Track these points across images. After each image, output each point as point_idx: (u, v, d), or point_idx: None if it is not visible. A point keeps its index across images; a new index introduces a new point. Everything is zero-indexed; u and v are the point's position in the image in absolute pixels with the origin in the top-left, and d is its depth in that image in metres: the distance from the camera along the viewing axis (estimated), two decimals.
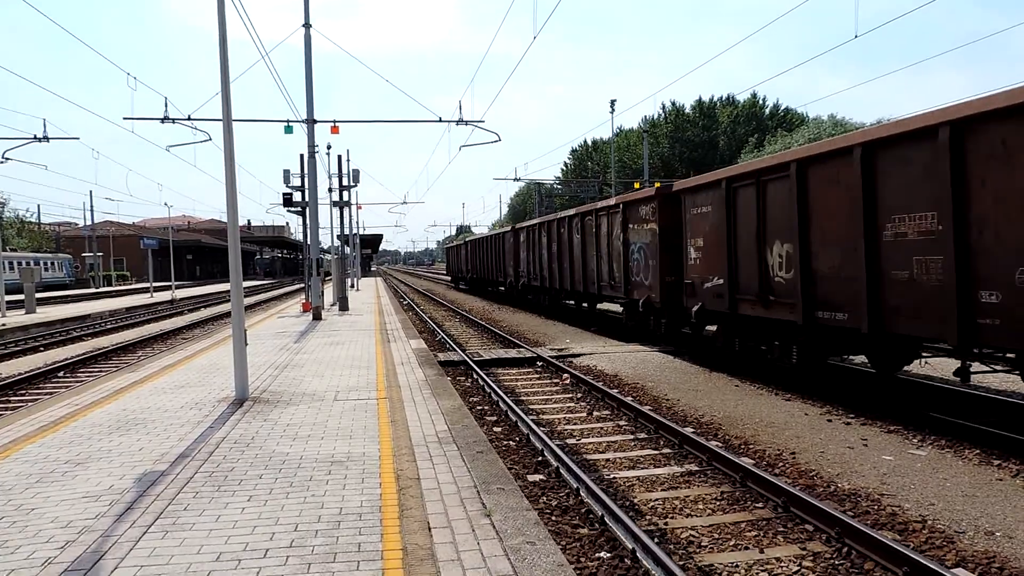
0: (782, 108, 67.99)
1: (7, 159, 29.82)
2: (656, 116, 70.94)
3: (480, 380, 11.52)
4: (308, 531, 4.40)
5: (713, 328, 12.73)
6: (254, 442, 6.57)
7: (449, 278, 57.11)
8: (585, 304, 21.24)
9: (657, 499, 6.09)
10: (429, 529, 4.43)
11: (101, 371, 14.26)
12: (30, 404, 10.36)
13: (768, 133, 60.34)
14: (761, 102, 68.78)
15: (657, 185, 14.57)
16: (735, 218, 11.13)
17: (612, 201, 16.63)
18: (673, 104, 71.14)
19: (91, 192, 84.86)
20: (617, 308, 21.63)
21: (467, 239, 45.50)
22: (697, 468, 6.91)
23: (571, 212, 20.05)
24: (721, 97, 69.46)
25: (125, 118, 21.78)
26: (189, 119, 22.17)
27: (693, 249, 12.63)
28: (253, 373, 10.39)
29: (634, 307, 15.17)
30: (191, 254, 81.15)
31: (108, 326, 24.38)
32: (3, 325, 23.18)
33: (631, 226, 15.31)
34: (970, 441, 7.48)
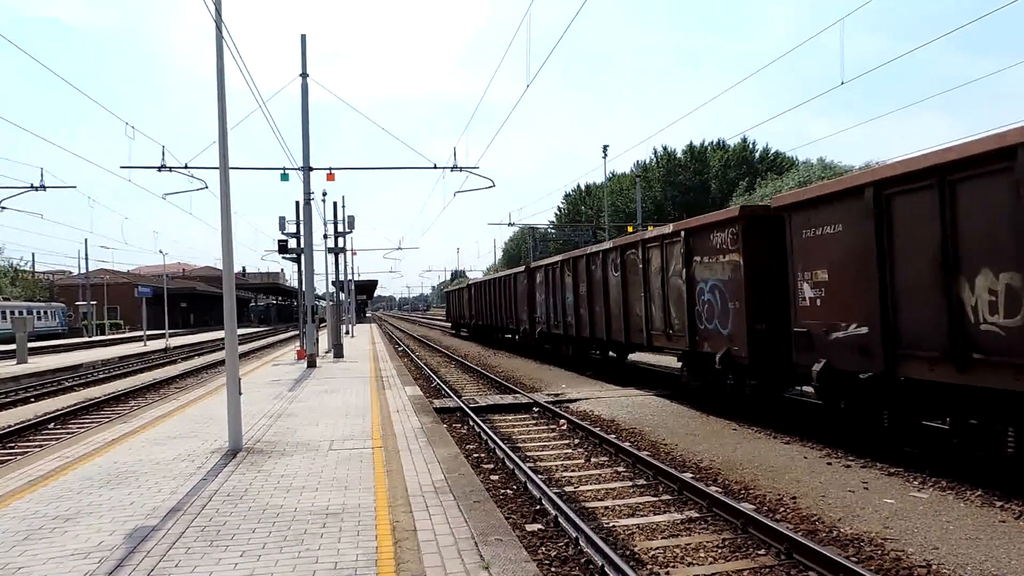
0: (772, 152, 69.10)
1: (3, 208, 29.96)
2: (648, 161, 72.03)
3: (476, 427, 11.41)
4: None
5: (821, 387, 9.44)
6: (247, 494, 6.47)
7: (449, 324, 53.99)
8: (613, 354, 18.58)
9: (658, 547, 5.99)
10: None
11: (93, 422, 14.08)
12: (19, 457, 10.20)
13: (759, 177, 61.22)
14: (751, 146, 69.93)
15: (740, 206, 11.52)
16: (890, 238, 8.11)
17: (668, 229, 13.43)
18: (665, 149, 72.31)
19: (86, 240, 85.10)
20: (651, 359, 20.29)
21: (471, 282, 42.27)
22: (697, 514, 6.81)
23: (606, 246, 16.94)
24: (712, 142, 70.63)
25: (122, 167, 21.94)
26: (186, 167, 22.34)
27: (809, 285, 9.57)
28: (247, 422, 10.27)
29: (702, 362, 12.37)
30: (185, 302, 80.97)
31: (100, 375, 24.16)
32: None
33: (698, 259, 12.29)
34: (971, 483, 7.41)
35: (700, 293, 12.26)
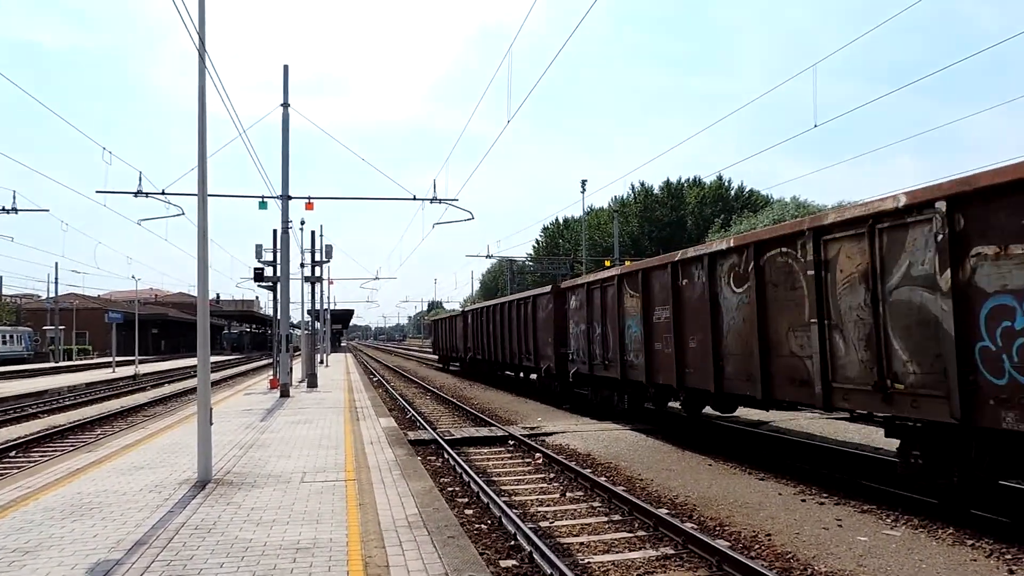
0: (747, 190, 70.42)
1: None
2: (626, 196, 72.94)
3: (451, 460, 11.29)
4: None
5: None
6: (216, 527, 6.31)
7: (436, 357, 47.20)
8: (717, 411, 12.27)
9: None
10: None
11: (56, 450, 13.70)
12: None
13: (735, 213, 62.29)
14: (727, 184, 71.24)
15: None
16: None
17: (899, 199, 7.57)
18: (642, 184, 73.37)
19: (56, 264, 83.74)
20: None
21: (468, 308, 35.25)
22: (673, 551, 6.78)
23: (720, 246, 11.10)
24: (688, 179, 71.87)
25: (98, 191, 21.71)
26: (163, 193, 22.18)
27: None
28: (217, 453, 10.05)
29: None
30: (157, 328, 79.68)
31: (66, 402, 23.57)
32: None
33: (984, 252, 6.68)
34: (943, 520, 7.47)
35: (988, 316, 6.62)
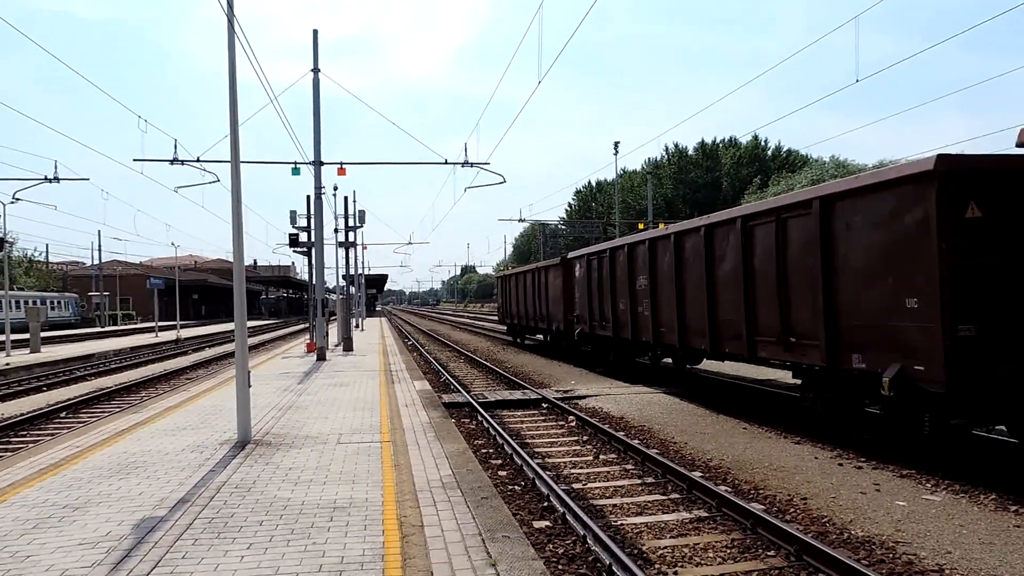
0: (784, 150, 68.64)
1: (17, 199, 30.22)
2: (660, 158, 71.69)
3: (485, 423, 11.39)
4: None
5: None
6: (255, 487, 6.47)
7: (505, 329, 34.74)
8: None
9: (666, 547, 5.94)
10: None
11: (103, 412, 14.16)
12: (31, 446, 10.27)
13: (772, 174, 60.82)
14: (763, 144, 69.48)
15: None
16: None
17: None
18: (676, 146, 72.00)
19: (99, 232, 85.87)
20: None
21: (585, 252, 19.80)
22: (706, 514, 6.76)
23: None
24: (724, 139, 70.27)
25: (135, 160, 22.11)
26: (198, 161, 22.44)
27: None
28: (256, 415, 10.29)
29: None
30: (197, 294, 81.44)
31: (112, 366, 24.32)
32: (7, 364, 23.15)
33: None
34: (985, 486, 7.31)
35: None
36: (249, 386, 8.81)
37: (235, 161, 9.20)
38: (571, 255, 20.87)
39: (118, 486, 6.59)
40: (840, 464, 8.47)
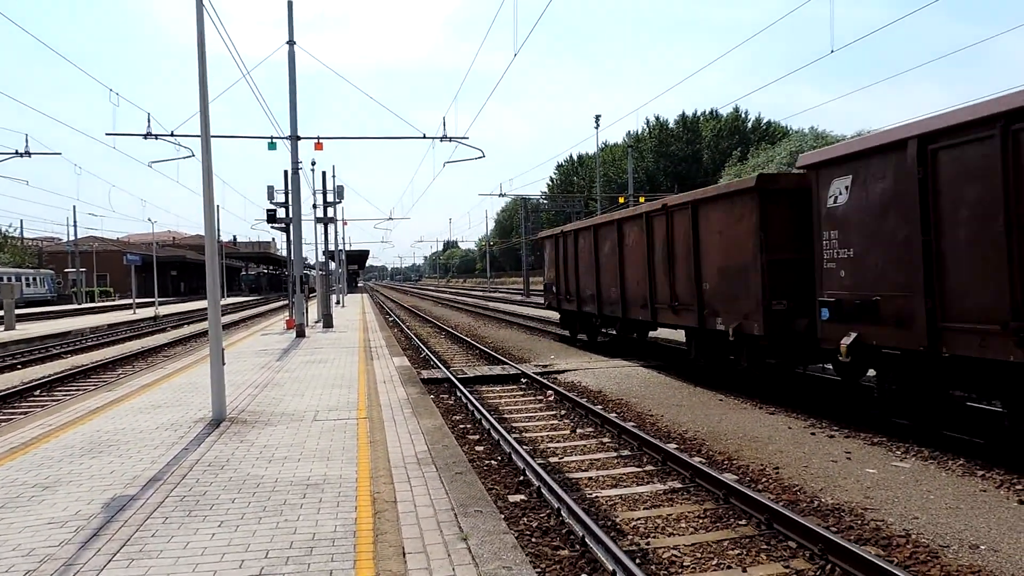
0: (764, 122, 68.65)
1: None
2: (641, 131, 71.45)
3: (464, 398, 11.40)
4: (279, 558, 4.27)
5: None
6: (229, 464, 6.43)
7: (558, 317, 22.02)
8: None
9: (640, 518, 6.00)
10: (404, 555, 4.31)
11: (78, 390, 14.00)
12: (3, 424, 10.13)
13: (752, 146, 60.88)
14: (744, 116, 69.43)
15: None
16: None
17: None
18: (657, 119, 71.75)
19: (74, 207, 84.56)
20: None
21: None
22: (680, 485, 6.83)
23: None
24: (704, 112, 70.09)
25: (108, 134, 21.65)
26: (172, 135, 22.02)
27: None
28: (232, 392, 10.23)
29: None
30: (175, 270, 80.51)
31: (88, 343, 24.02)
32: None
33: None
34: (954, 452, 7.46)
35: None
36: (224, 363, 8.73)
37: (205, 135, 9.03)
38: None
39: (89, 465, 6.52)
40: (813, 434, 8.59)
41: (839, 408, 9.70)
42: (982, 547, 5.19)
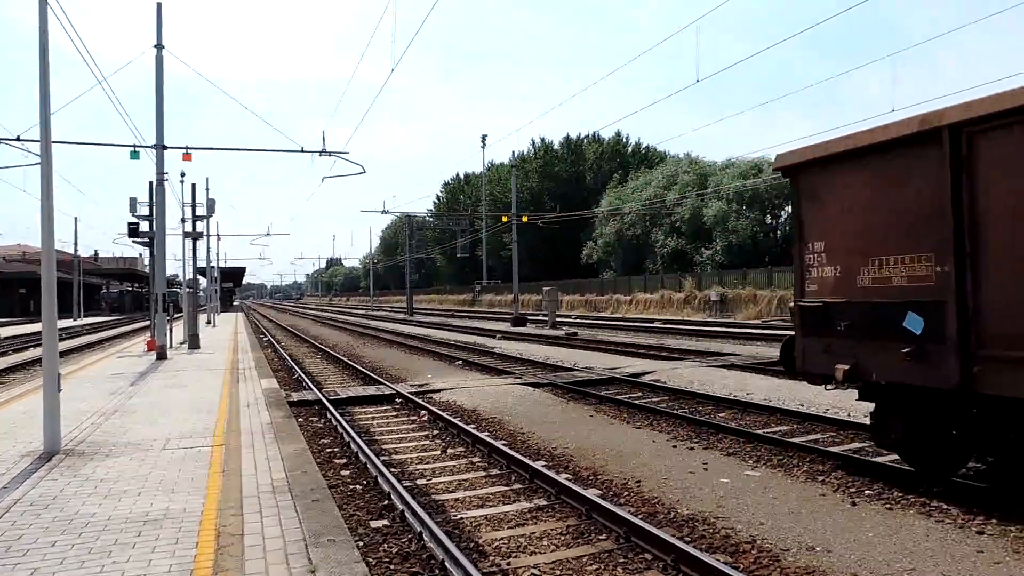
0: (643, 146, 71.82)
1: None
2: (527, 152, 72.80)
3: (333, 420, 11.01)
4: None
5: None
6: (55, 503, 5.82)
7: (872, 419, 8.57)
8: None
9: (503, 538, 5.95)
10: None
11: None
12: None
13: (632, 169, 63.54)
14: (624, 140, 72.33)
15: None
16: None
17: None
18: (543, 140, 73.35)
19: None
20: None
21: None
22: (546, 502, 6.85)
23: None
24: (587, 135, 72.41)
25: None
26: (19, 139, 20.17)
27: None
28: (73, 421, 9.37)
29: None
30: (25, 287, 73.49)
31: None
32: None
33: None
34: (798, 461, 7.94)
35: None
36: (60, 389, 7.97)
37: (46, 140, 8.35)
38: None
39: None
40: (674, 447, 8.91)
41: (698, 421, 10.13)
42: (818, 548, 5.51)
